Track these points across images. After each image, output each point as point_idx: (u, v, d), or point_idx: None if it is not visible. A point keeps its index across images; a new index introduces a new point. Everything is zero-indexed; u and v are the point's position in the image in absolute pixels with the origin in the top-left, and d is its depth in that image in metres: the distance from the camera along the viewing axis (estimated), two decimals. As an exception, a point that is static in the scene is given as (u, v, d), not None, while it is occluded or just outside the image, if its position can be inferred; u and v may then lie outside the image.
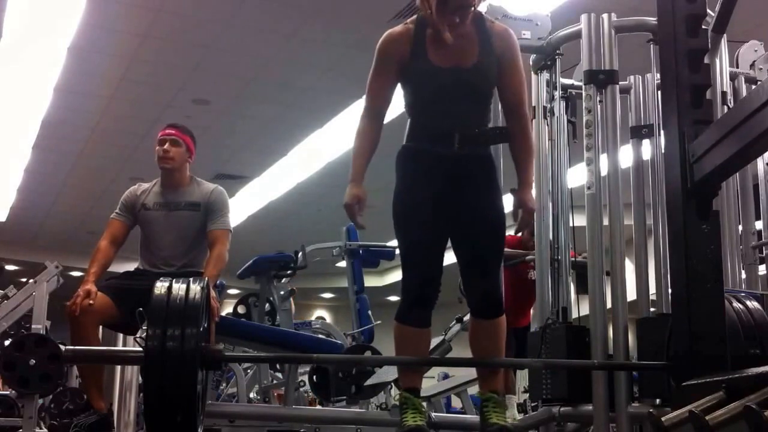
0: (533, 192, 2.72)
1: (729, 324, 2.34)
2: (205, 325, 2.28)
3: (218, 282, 3.86)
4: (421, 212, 2.58)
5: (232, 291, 11.32)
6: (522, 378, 4.68)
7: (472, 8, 2.54)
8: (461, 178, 2.58)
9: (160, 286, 2.23)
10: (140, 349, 2.16)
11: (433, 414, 3.41)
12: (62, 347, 4.93)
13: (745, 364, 2.23)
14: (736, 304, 2.44)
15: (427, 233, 2.59)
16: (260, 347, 4.21)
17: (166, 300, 2.18)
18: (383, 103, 2.71)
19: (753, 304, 2.47)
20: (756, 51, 3.72)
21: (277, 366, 5.41)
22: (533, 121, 3.45)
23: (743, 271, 3.52)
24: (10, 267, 11.58)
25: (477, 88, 2.60)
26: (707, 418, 1.40)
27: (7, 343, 5.33)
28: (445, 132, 2.58)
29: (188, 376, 2.10)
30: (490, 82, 2.63)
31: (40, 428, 5.18)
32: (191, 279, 2.31)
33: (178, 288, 2.22)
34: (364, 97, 2.74)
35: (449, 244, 2.68)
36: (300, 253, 5.61)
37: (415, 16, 2.65)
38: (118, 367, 3.77)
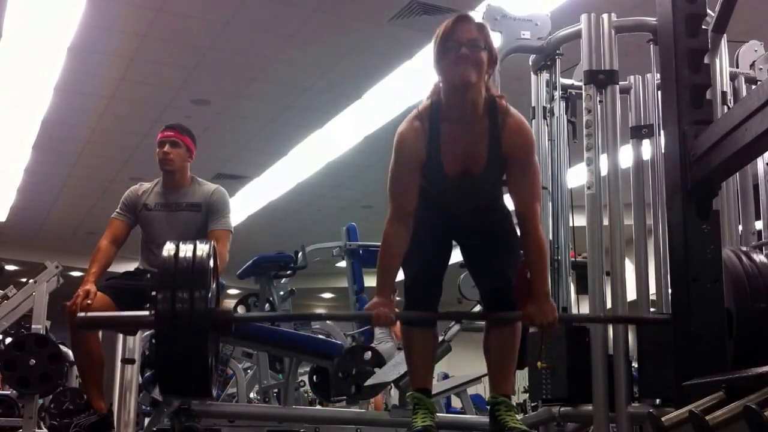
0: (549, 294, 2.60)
1: (735, 278, 2.33)
2: (214, 288, 2.27)
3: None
4: (425, 212, 2.59)
5: (232, 291, 11.32)
6: (522, 378, 4.68)
7: (475, 70, 2.39)
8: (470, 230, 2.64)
9: (168, 250, 2.21)
10: (149, 313, 2.16)
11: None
12: (63, 347, 4.98)
13: (750, 321, 2.24)
14: (743, 258, 2.40)
15: (429, 232, 2.60)
16: (260, 347, 4.21)
17: (174, 263, 2.17)
18: (410, 204, 2.52)
19: (759, 257, 2.44)
20: (756, 51, 3.72)
21: (277, 366, 5.41)
22: (533, 121, 3.45)
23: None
24: (10, 267, 11.57)
25: (485, 187, 2.56)
26: (707, 418, 1.40)
27: (7, 342, 5.34)
28: (456, 217, 2.62)
29: (199, 338, 2.09)
30: (499, 177, 2.56)
31: (40, 428, 5.19)
32: (198, 242, 2.30)
33: (186, 251, 2.21)
34: (389, 199, 2.55)
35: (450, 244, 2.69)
36: (300, 253, 5.61)
37: (428, 105, 2.52)
38: (118, 367, 3.77)
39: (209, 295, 2.15)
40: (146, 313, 2.23)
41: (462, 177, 2.49)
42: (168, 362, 2.11)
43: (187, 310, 2.08)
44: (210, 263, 2.22)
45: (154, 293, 2.14)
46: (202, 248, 2.23)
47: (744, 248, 2.57)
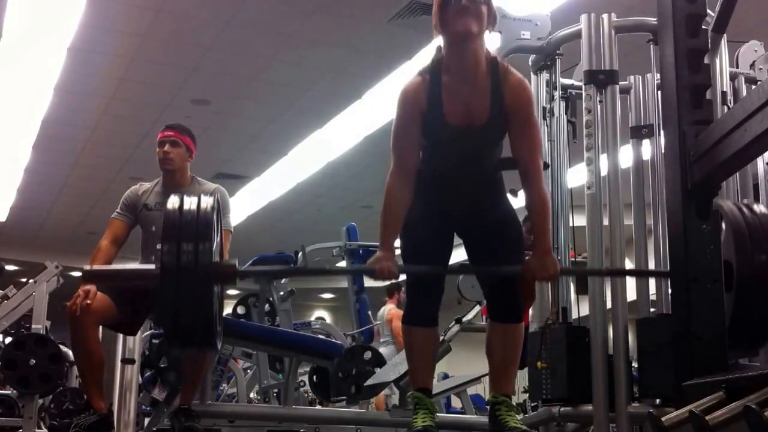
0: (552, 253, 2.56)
1: (736, 230, 2.33)
2: (218, 241, 2.26)
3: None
4: (426, 212, 2.58)
5: (232, 291, 11.32)
6: (522, 378, 4.68)
7: (476, 24, 2.43)
8: (470, 208, 2.61)
9: (173, 202, 2.21)
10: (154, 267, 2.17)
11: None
12: (63, 347, 4.98)
13: (752, 273, 2.24)
14: (744, 210, 2.39)
15: (431, 231, 2.59)
16: (260, 347, 4.21)
17: (179, 216, 2.17)
18: (413, 159, 2.56)
19: (760, 208, 2.43)
20: (756, 51, 3.72)
21: (277, 366, 5.41)
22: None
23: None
24: (10, 267, 11.57)
25: (487, 144, 2.57)
26: (707, 418, 1.40)
27: (7, 342, 5.34)
28: (457, 174, 2.58)
29: (204, 291, 2.10)
30: (500, 135, 2.57)
31: (40, 428, 5.19)
32: (202, 195, 2.30)
33: (190, 203, 2.21)
34: (391, 152, 2.57)
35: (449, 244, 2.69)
36: (300, 253, 5.61)
37: (429, 63, 2.56)
38: (118, 367, 3.77)
39: (213, 247, 2.16)
40: (152, 266, 2.25)
41: (464, 128, 2.49)
42: (172, 315, 2.12)
43: (192, 263, 2.09)
44: (214, 216, 2.22)
45: (159, 246, 2.14)
46: (207, 201, 2.23)
47: (745, 201, 2.56)
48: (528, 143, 2.54)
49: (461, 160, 2.55)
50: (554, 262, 2.51)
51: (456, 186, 2.58)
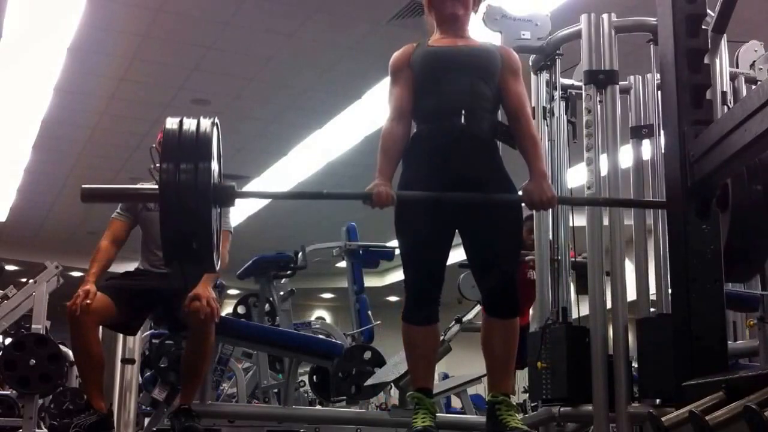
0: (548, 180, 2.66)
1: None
2: (217, 165, 2.29)
3: (218, 282, 3.85)
4: (425, 206, 2.57)
5: (232, 291, 11.32)
6: (522, 378, 4.68)
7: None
8: (470, 179, 2.55)
9: (172, 122, 2.24)
10: (155, 186, 2.21)
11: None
12: (63, 347, 4.98)
13: (747, 204, 2.25)
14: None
15: (430, 227, 2.58)
16: (260, 347, 4.21)
17: (178, 135, 2.20)
18: (406, 105, 2.67)
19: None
20: (756, 51, 3.72)
21: (277, 366, 5.41)
22: (533, 121, 3.45)
23: (743, 271, 3.51)
24: (10, 267, 11.58)
25: (481, 63, 2.68)
26: (707, 418, 1.40)
27: (7, 342, 5.34)
28: (452, 107, 2.61)
29: (202, 209, 2.13)
30: (494, 65, 2.69)
31: (40, 428, 5.18)
32: (201, 116, 2.32)
33: (190, 123, 2.23)
34: (387, 105, 2.73)
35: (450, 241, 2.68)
36: (300, 253, 5.61)
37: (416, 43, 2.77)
38: (118, 367, 3.77)
39: (211, 167, 2.19)
40: (154, 186, 2.29)
41: (457, 47, 2.70)
42: (171, 233, 2.15)
43: (191, 181, 2.12)
44: (214, 136, 2.25)
45: (158, 165, 2.18)
46: (206, 122, 2.26)
47: None
48: (519, 93, 2.70)
49: (459, 59, 2.69)
50: (549, 187, 2.56)
51: (456, 81, 2.64)
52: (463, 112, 2.58)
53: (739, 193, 2.29)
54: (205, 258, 2.19)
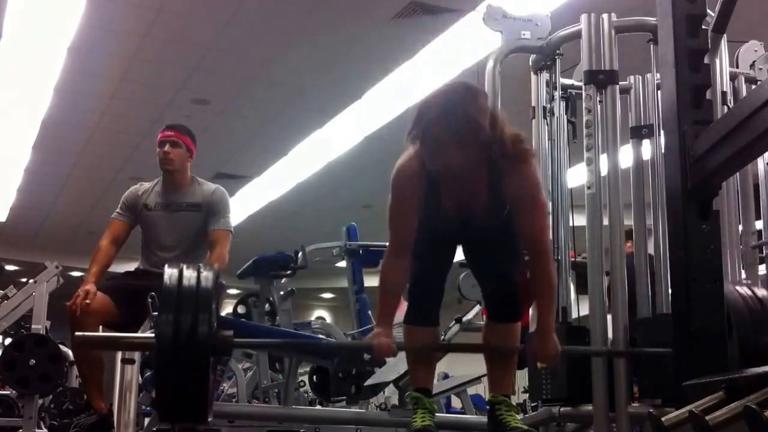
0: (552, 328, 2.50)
1: (737, 312, 2.34)
2: (215, 309, 2.28)
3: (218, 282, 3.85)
4: (427, 220, 2.56)
5: (232, 291, 11.32)
6: (522, 378, 4.68)
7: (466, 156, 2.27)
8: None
9: (171, 272, 2.22)
10: (151, 335, 2.16)
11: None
12: (63, 347, 4.98)
13: (754, 354, 2.25)
14: (744, 291, 2.41)
15: (432, 236, 2.57)
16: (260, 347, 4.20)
17: (178, 286, 2.18)
18: (410, 236, 2.48)
19: (762, 292, 2.45)
20: (756, 51, 3.71)
21: (277, 366, 5.40)
22: (533, 121, 3.45)
23: (743, 271, 3.51)
24: (10, 267, 11.58)
25: (488, 227, 2.49)
26: (707, 418, 1.40)
27: (7, 343, 5.34)
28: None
29: (200, 362, 2.10)
30: (502, 215, 2.47)
31: (40, 428, 5.19)
32: (201, 265, 2.30)
33: (190, 274, 2.21)
34: (388, 230, 2.51)
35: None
36: (300, 253, 5.60)
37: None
38: (118, 367, 3.76)
39: (211, 319, 2.16)
40: (150, 335, 2.25)
41: (465, 219, 2.45)
42: (166, 386, 2.13)
43: (189, 334, 2.09)
44: (214, 287, 2.22)
45: (155, 313, 2.14)
46: (206, 272, 2.23)
47: (745, 282, 2.59)
48: (536, 223, 2.44)
49: (463, 232, 2.52)
50: (555, 345, 2.46)
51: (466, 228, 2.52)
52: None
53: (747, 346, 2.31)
54: (198, 413, 2.15)
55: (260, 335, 4.01)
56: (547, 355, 2.48)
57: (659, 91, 2.65)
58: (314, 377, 4.85)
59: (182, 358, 2.08)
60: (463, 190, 2.42)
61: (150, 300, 2.17)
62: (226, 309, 6.35)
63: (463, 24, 6.21)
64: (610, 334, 2.96)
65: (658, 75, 2.66)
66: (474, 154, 2.28)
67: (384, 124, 7.88)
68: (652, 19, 2.96)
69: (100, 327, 3.54)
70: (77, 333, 2.45)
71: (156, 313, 2.13)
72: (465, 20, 6.15)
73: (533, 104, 3.48)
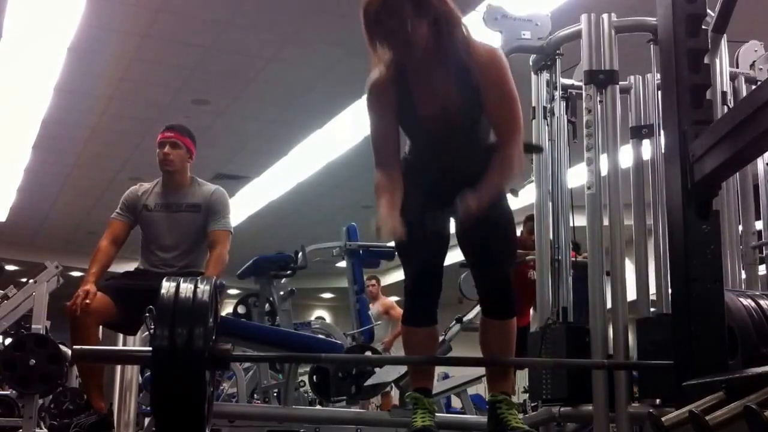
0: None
1: (740, 322, 2.34)
2: (212, 323, 2.28)
3: (218, 282, 3.86)
4: (417, 208, 2.55)
5: (232, 291, 11.32)
6: (522, 378, 4.68)
7: (413, 34, 2.33)
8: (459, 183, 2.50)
9: (168, 286, 2.21)
10: (148, 348, 2.16)
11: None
12: (63, 347, 4.98)
13: (757, 364, 2.25)
14: (747, 302, 2.41)
15: (424, 229, 2.56)
16: (260, 347, 4.21)
17: (174, 300, 2.17)
18: (395, 156, 2.53)
19: (765, 302, 2.45)
20: (756, 51, 3.71)
21: (277, 366, 5.41)
22: (533, 121, 3.45)
23: (743, 271, 3.51)
24: (10, 267, 11.58)
25: (465, 128, 2.49)
26: (707, 418, 1.39)
27: (7, 343, 5.34)
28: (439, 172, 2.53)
29: (197, 377, 2.09)
30: (478, 115, 2.48)
31: (40, 428, 5.18)
32: (199, 279, 2.30)
33: (186, 288, 2.21)
34: (371, 149, 2.57)
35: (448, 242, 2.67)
36: (300, 253, 5.61)
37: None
38: (118, 367, 3.77)
39: (208, 332, 2.15)
40: (146, 348, 2.24)
41: (440, 116, 2.43)
42: (163, 400, 2.12)
43: (186, 348, 2.08)
44: (211, 300, 2.21)
45: (152, 327, 2.13)
46: (203, 286, 2.23)
47: (749, 292, 2.58)
48: (503, 115, 2.44)
49: (446, 145, 2.49)
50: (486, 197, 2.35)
51: (449, 172, 2.52)
52: (458, 157, 2.52)
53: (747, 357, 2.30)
54: (196, 427, 2.15)
55: (260, 335, 4.02)
56: (473, 200, 2.30)
57: (659, 91, 2.65)
58: (314, 377, 4.85)
59: (179, 373, 2.07)
60: (434, 89, 2.43)
61: (147, 314, 2.16)
62: (226, 309, 6.35)
63: (463, 24, 6.20)
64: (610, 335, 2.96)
65: (658, 75, 2.66)
66: (423, 28, 2.34)
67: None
68: (652, 19, 2.97)
69: (100, 327, 3.54)
70: (75, 347, 2.45)
71: (153, 328, 2.11)
72: (465, 20, 6.14)
73: (533, 104, 3.48)
